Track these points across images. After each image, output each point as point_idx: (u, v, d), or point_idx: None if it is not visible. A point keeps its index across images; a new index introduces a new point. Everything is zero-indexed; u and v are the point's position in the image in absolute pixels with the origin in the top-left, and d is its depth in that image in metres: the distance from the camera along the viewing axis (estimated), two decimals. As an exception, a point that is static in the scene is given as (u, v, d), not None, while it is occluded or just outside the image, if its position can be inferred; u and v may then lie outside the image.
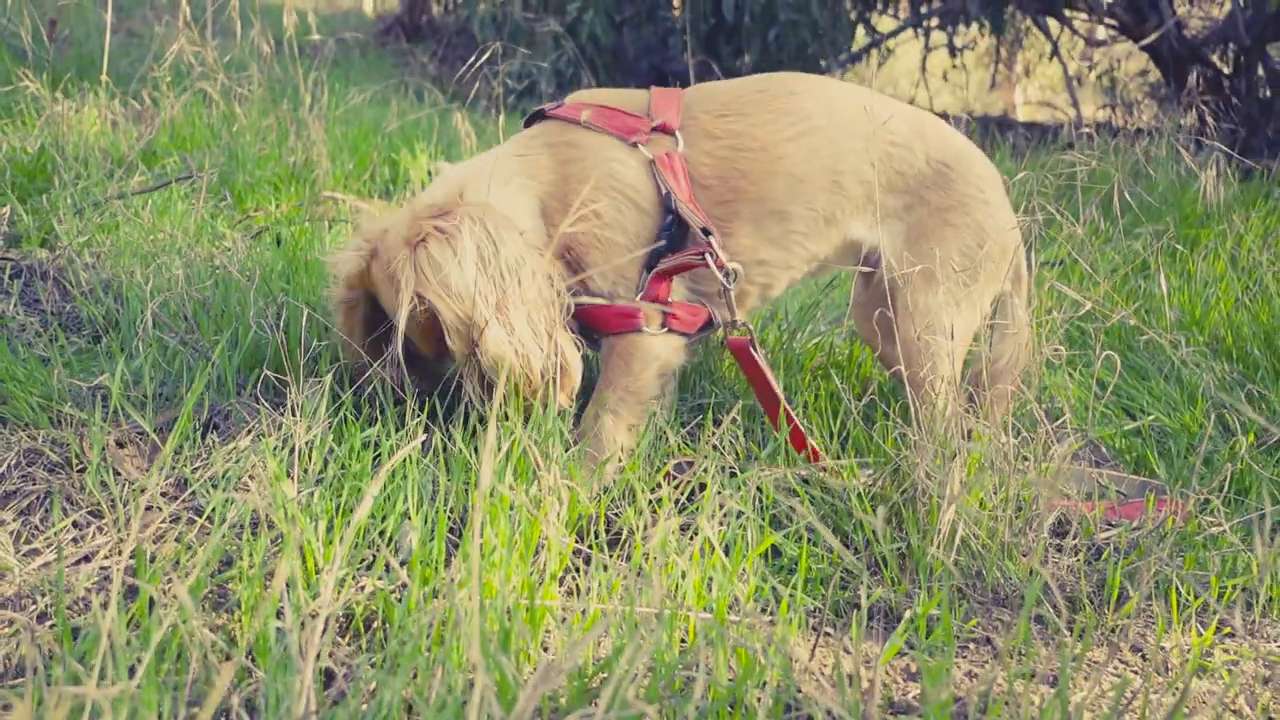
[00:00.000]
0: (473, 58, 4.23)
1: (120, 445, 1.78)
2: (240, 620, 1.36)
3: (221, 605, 1.42)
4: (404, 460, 1.66)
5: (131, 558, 1.53)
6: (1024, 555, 1.78)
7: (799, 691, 1.30)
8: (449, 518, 1.65)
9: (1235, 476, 2.39)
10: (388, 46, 9.08)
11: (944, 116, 10.02)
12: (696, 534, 1.57)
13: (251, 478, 1.71)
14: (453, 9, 9.63)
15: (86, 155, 3.44)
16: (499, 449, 1.58)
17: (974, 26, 9.87)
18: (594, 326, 1.96)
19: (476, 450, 1.76)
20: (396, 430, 1.83)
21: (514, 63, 7.22)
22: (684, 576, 1.42)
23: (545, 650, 1.39)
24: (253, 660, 1.33)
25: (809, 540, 1.78)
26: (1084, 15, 10.07)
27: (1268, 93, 8.93)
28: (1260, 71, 8.99)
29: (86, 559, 1.53)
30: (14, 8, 7.79)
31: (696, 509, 1.72)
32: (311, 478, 1.68)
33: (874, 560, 1.81)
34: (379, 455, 1.77)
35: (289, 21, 4.13)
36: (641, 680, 1.23)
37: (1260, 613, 1.83)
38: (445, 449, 1.82)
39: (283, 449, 1.74)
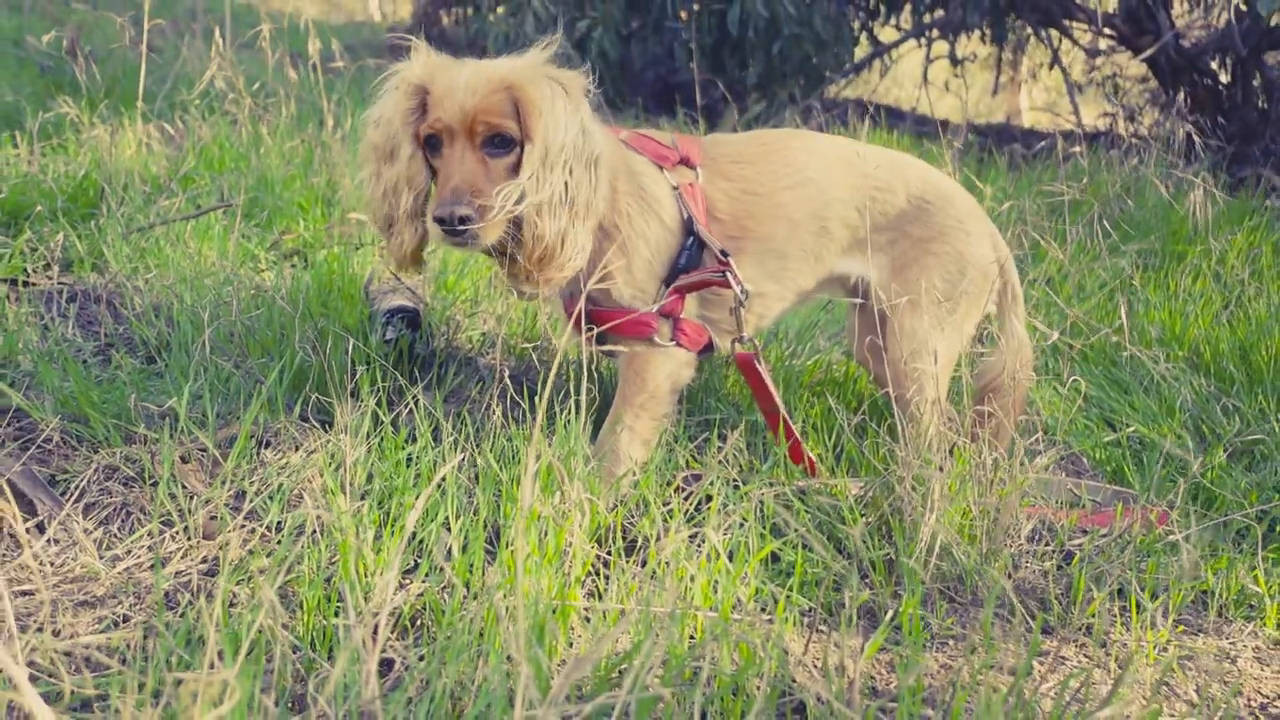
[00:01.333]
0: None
1: (185, 461, 1.98)
2: (304, 619, 1.56)
3: (286, 605, 1.62)
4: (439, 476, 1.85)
5: (204, 562, 1.73)
6: (999, 560, 1.97)
7: (793, 681, 1.50)
8: (484, 526, 1.84)
9: (1204, 487, 2.58)
10: (400, 60, 9.26)
11: (944, 125, 10.19)
12: (703, 541, 1.76)
13: (304, 492, 1.91)
14: (462, 21, 9.81)
15: (127, 180, 3.64)
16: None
17: (975, 37, 10.04)
18: (609, 330, 2.15)
19: (504, 467, 1.96)
20: (433, 447, 2.02)
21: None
22: (692, 580, 1.61)
23: (570, 645, 1.58)
24: (314, 651, 1.52)
25: (805, 547, 1.97)
26: (1084, 26, 10.23)
27: (1264, 102, 9.10)
28: (1257, 81, 9.16)
29: (164, 562, 1.73)
30: (38, 26, 8.01)
31: (704, 519, 1.91)
32: (358, 491, 1.87)
33: (864, 565, 2.00)
34: (418, 470, 1.97)
35: (313, 48, 4.32)
36: (656, 670, 1.43)
37: (1216, 613, 2.02)
38: (476, 464, 2.02)
39: (331, 464, 1.93)
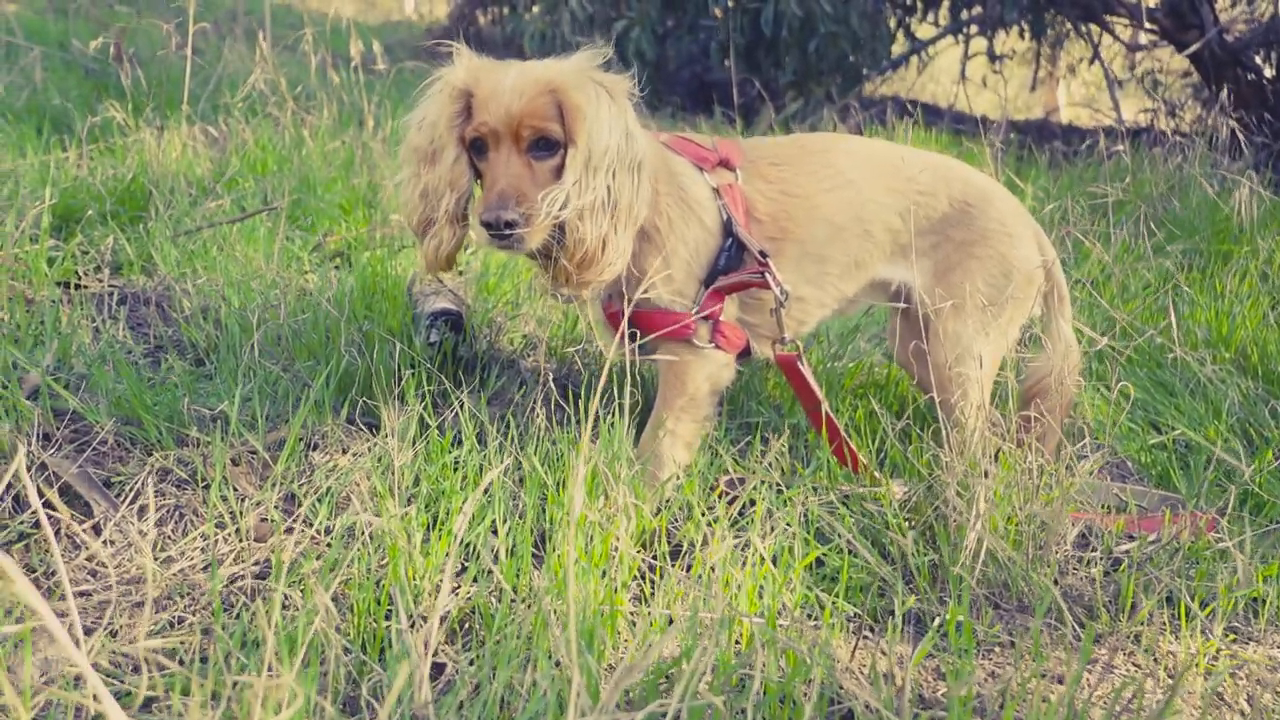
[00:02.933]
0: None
1: (235, 463, 2.01)
2: (355, 621, 1.58)
3: (337, 608, 1.64)
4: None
5: (255, 564, 1.76)
6: (1046, 567, 1.96)
7: (840, 688, 1.50)
8: (530, 530, 1.85)
9: (1252, 492, 2.54)
10: (436, 60, 9.33)
11: (983, 121, 10.10)
12: (748, 546, 1.76)
13: (352, 494, 1.93)
14: (499, 20, 9.85)
15: (173, 183, 3.70)
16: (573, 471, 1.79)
17: (1014, 33, 9.94)
18: (649, 329, 2.13)
19: (550, 469, 1.97)
20: (479, 451, 2.04)
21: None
22: (739, 587, 1.61)
23: (616, 650, 1.59)
24: (366, 654, 1.54)
25: (850, 552, 1.97)
26: (1125, 20, 10.10)
27: (1310, 97, 8.94)
28: (1303, 75, 9.00)
29: (218, 564, 1.75)
30: (84, 31, 8.14)
31: (748, 523, 1.91)
32: (405, 495, 1.89)
33: (909, 571, 1.99)
34: (464, 474, 1.98)
35: (355, 50, 4.36)
36: (705, 677, 1.43)
37: (1267, 621, 2.00)
38: (521, 467, 2.03)
39: (379, 468, 1.96)
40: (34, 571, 1.69)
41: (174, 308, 2.76)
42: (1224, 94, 6.21)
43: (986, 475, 1.97)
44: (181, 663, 1.45)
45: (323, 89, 4.45)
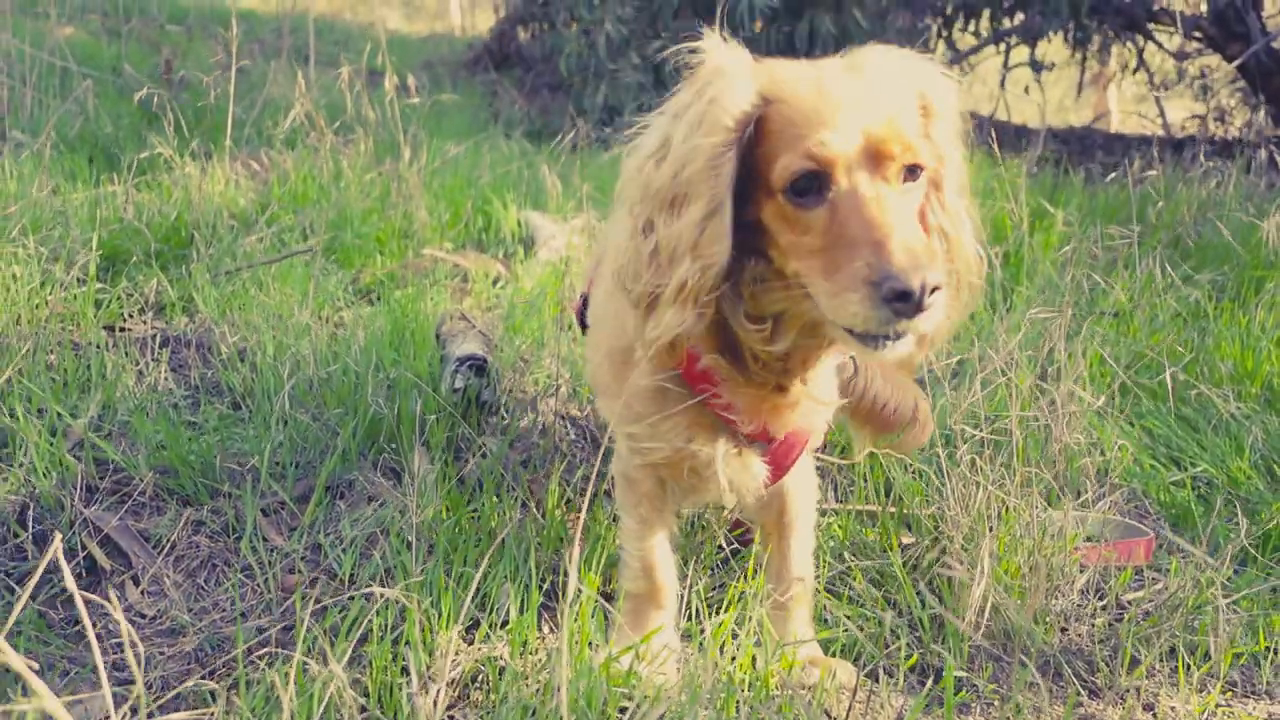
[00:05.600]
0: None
1: (265, 514, 2.11)
2: (373, 677, 1.66)
3: (355, 663, 1.73)
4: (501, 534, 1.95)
5: (283, 616, 1.86)
6: (1049, 622, 2.00)
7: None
8: (544, 577, 1.93)
9: (1270, 532, 2.56)
10: (476, 76, 9.47)
11: (1022, 132, 10.02)
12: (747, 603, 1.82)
13: (374, 545, 2.02)
14: (539, 35, 9.94)
15: (215, 218, 3.83)
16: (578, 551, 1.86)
17: (1057, 39, 9.85)
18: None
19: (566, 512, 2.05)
20: (497, 501, 2.12)
21: (599, 94, 7.55)
22: (733, 659, 1.68)
23: (621, 711, 1.66)
24: (381, 709, 1.63)
25: (856, 602, 2.02)
26: (1169, 30, 9.97)
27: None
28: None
29: (244, 616, 1.85)
30: (135, 54, 8.37)
31: (753, 571, 1.97)
32: (424, 547, 1.98)
33: (915, 622, 2.04)
34: (480, 524, 2.06)
35: (390, 85, 4.48)
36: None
37: (1270, 675, 2.02)
38: (538, 518, 2.11)
39: (400, 521, 2.04)
40: (76, 624, 1.80)
41: (213, 350, 2.88)
42: (1262, 113, 6.13)
43: (991, 530, 2.02)
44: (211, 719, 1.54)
45: (360, 123, 4.57)
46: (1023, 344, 3.13)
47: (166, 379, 2.72)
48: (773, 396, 1.61)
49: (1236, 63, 9.14)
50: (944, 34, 10.06)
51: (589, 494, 1.60)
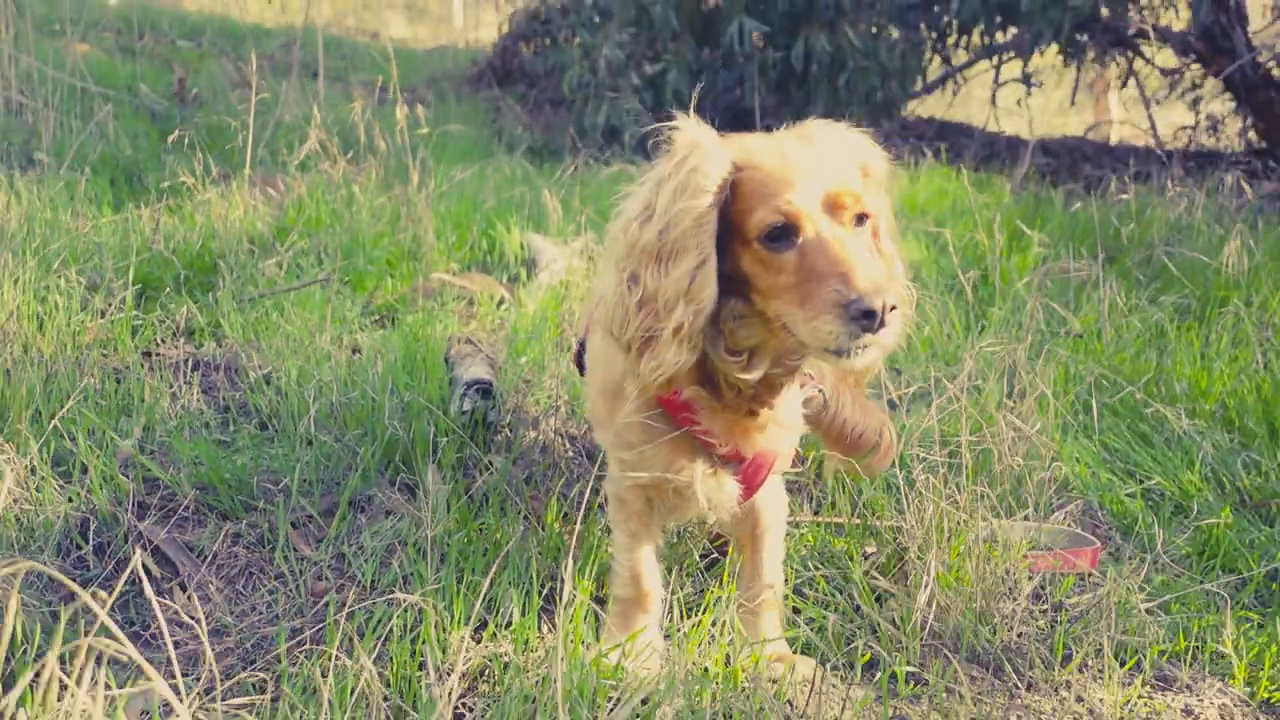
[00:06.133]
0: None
1: (294, 527, 2.36)
2: (394, 670, 1.91)
3: (379, 659, 1.98)
4: (506, 545, 2.21)
5: (315, 620, 2.11)
6: (996, 623, 2.25)
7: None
8: (544, 583, 2.18)
9: (1211, 541, 2.81)
10: (480, 93, 9.73)
11: (1012, 145, 10.25)
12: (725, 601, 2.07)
13: (392, 555, 2.27)
14: (541, 50, 10.18)
15: (236, 245, 4.09)
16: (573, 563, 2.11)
17: (1050, 52, 10.07)
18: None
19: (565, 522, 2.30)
20: (502, 515, 2.37)
21: (600, 114, 7.79)
22: (709, 655, 1.93)
23: (610, 700, 1.91)
24: (402, 699, 1.88)
25: (821, 605, 2.27)
26: (1155, 46, 10.21)
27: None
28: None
29: (280, 617, 2.11)
30: (150, 72, 8.63)
31: (728, 577, 2.22)
32: (437, 555, 2.23)
33: (874, 623, 2.29)
34: (486, 534, 2.32)
35: (400, 114, 4.74)
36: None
37: (1190, 671, 2.26)
38: (538, 531, 2.36)
39: (415, 533, 2.30)
40: (133, 624, 2.06)
41: (241, 373, 3.13)
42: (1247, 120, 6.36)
43: (937, 543, 2.26)
44: (255, 710, 1.80)
45: (371, 152, 4.83)
46: (986, 369, 3.39)
47: (198, 400, 2.98)
48: (744, 420, 1.89)
49: (1222, 75, 9.39)
50: (938, 48, 10.31)
51: (583, 510, 1.84)
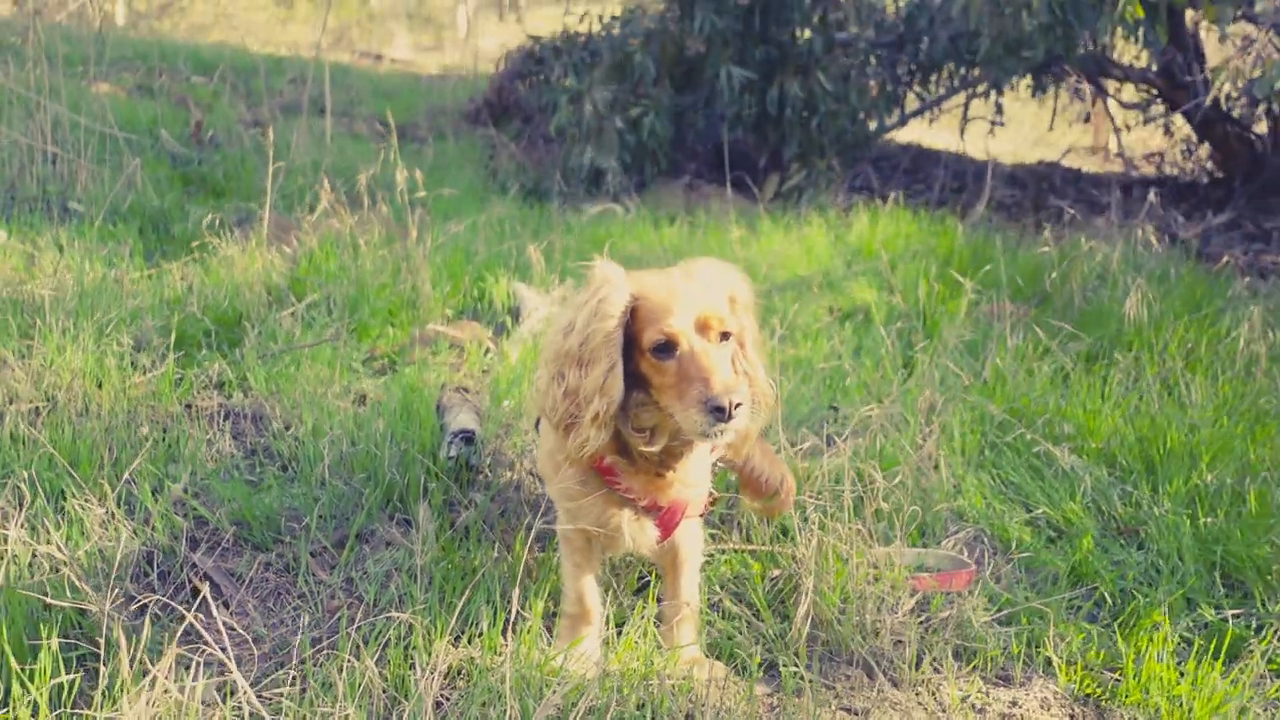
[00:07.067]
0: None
1: (313, 555, 2.96)
2: (391, 669, 2.50)
3: (380, 661, 2.57)
4: (480, 570, 2.80)
5: (331, 632, 2.70)
6: (878, 632, 2.84)
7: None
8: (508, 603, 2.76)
9: (1085, 562, 3.38)
10: (477, 130, 10.33)
11: (986, 165, 10.79)
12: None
13: (390, 577, 2.87)
14: (534, 87, 10.76)
15: (256, 299, 4.70)
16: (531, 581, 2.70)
17: (1021, 85, 10.60)
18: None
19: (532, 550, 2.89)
20: (479, 545, 2.97)
21: (585, 155, 8.39)
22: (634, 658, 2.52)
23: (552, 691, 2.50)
24: (397, 690, 2.47)
25: (729, 618, 2.86)
26: (1119, 83, 10.79)
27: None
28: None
29: (303, 629, 2.70)
30: (169, 115, 9.23)
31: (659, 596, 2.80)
32: (426, 579, 2.82)
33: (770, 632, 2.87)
34: (467, 561, 2.91)
35: (400, 177, 5.34)
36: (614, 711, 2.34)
37: (1022, 672, 2.84)
38: (508, 559, 2.96)
39: (408, 561, 2.89)
40: (188, 635, 2.65)
41: (265, 421, 3.73)
42: (1204, 152, 6.95)
43: (825, 568, 2.85)
44: (284, 699, 2.39)
45: (374, 214, 5.44)
46: (906, 411, 3.98)
47: (230, 445, 3.57)
48: (656, 480, 2.48)
49: (1182, 109, 9.98)
50: (910, 84, 10.88)
51: (527, 544, 2.43)
